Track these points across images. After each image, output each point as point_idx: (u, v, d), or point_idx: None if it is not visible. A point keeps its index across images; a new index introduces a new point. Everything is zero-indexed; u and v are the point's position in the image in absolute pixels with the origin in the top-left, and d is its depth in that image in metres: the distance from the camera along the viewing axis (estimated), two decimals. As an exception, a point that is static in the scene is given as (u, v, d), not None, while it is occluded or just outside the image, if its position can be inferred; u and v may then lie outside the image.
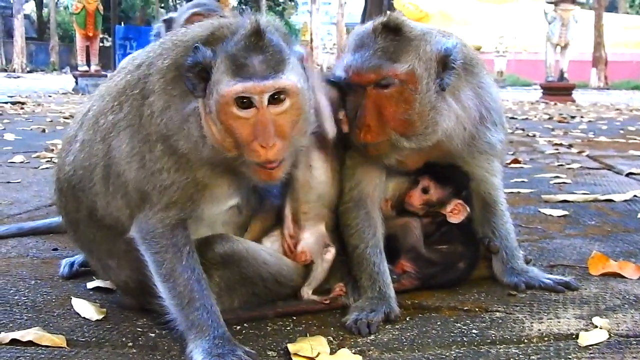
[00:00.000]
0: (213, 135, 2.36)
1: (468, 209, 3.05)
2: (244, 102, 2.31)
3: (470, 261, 3.08)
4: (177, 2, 67.15)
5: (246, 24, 2.36)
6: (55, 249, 3.71)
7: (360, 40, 2.77)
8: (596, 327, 2.58)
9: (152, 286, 2.51)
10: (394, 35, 2.71)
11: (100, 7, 24.76)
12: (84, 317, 2.70)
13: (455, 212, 3.04)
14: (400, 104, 2.69)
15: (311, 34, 48.23)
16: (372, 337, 2.55)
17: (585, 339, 2.47)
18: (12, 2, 53.01)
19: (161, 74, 2.45)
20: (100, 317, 2.70)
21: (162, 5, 61.42)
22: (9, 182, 5.85)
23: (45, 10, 67.71)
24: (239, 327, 2.62)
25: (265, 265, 2.72)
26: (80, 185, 2.61)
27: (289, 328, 2.64)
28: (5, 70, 46.96)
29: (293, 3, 74.77)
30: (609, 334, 2.51)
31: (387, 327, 2.64)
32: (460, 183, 3.07)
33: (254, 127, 2.32)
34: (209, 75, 2.33)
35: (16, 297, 2.92)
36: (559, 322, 2.66)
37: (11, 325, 2.61)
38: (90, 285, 3.06)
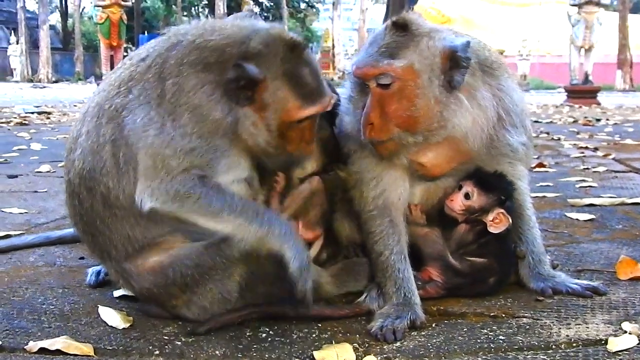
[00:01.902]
0: (264, 136, 2.60)
1: (510, 219, 2.97)
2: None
3: (501, 277, 3.02)
4: (200, 11, 67.67)
5: (274, 35, 2.59)
6: (82, 258, 3.73)
7: (373, 38, 2.84)
8: (625, 332, 2.55)
9: (176, 289, 2.56)
10: (400, 32, 2.74)
11: (124, 17, 25.02)
12: (111, 326, 2.71)
13: (497, 222, 2.96)
14: (402, 100, 2.71)
15: (333, 40, 48.41)
16: (398, 344, 2.54)
17: (614, 344, 2.43)
18: (37, 13, 53.77)
19: (189, 65, 2.56)
20: (127, 325, 2.71)
21: (185, 14, 61.90)
22: (36, 192, 5.90)
23: (70, 21, 68.52)
24: (264, 335, 2.62)
25: None
26: (91, 173, 2.62)
27: (314, 335, 2.64)
28: (31, 81, 47.51)
29: (315, 9, 74.96)
30: (639, 340, 2.48)
31: (412, 333, 2.63)
32: (505, 192, 3.00)
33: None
34: (253, 86, 2.52)
35: (44, 306, 2.95)
36: (587, 327, 2.63)
37: (39, 334, 2.63)
38: (117, 293, 3.07)
